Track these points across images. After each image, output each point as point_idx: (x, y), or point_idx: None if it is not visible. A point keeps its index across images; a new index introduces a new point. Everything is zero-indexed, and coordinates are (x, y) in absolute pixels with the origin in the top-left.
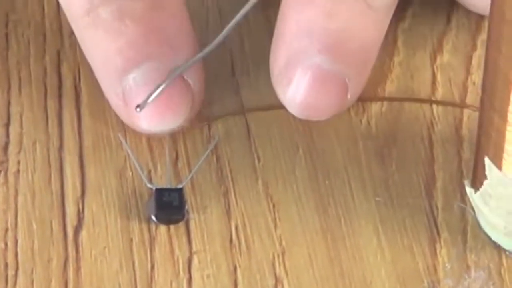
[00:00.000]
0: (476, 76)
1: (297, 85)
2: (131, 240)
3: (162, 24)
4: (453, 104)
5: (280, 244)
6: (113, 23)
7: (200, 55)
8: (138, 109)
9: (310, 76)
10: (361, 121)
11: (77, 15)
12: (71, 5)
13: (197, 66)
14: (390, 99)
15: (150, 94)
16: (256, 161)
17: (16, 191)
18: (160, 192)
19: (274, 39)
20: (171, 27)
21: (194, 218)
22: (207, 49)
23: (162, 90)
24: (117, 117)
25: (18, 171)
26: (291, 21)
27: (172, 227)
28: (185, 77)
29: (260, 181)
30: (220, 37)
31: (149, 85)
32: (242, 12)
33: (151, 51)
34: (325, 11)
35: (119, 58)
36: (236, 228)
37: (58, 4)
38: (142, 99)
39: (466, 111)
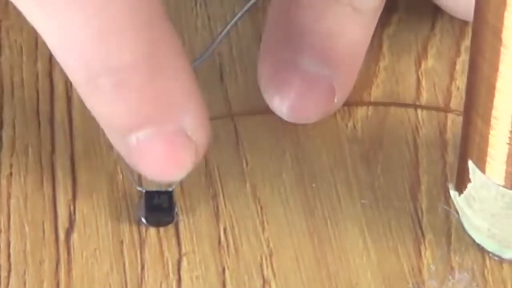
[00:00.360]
0: (460, 81)
1: (286, 89)
2: (122, 242)
3: (164, 88)
4: (437, 109)
5: (268, 246)
6: (113, 92)
7: (200, 59)
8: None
9: (298, 80)
10: (347, 125)
11: (77, 82)
12: (71, 73)
13: (203, 121)
14: (376, 104)
15: None
16: (244, 164)
17: (9, 194)
18: (150, 194)
19: (262, 44)
20: (173, 90)
21: (183, 220)
22: (204, 56)
23: None
24: None
25: (11, 174)
26: (279, 26)
27: (161, 229)
28: (189, 134)
29: (248, 184)
30: (214, 44)
31: (152, 144)
32: (237, 17)
33: (153, 116)
34: (313, 16)
35: (120, 123)
36: (225, 230)
37: None
38: (146, 155)
39: (450, 116)
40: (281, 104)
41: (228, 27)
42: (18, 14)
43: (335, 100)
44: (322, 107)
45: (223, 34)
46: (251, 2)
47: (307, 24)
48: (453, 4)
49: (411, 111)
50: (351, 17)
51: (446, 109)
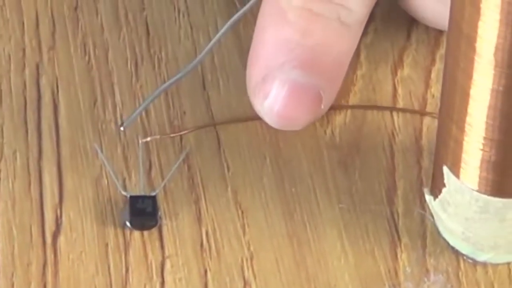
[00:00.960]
0: (435, 89)
1: (275, 97)
2: (107, 245)
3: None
4: (413, 111)
5: (249, 249)
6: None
7: (186, 70)
8: (121, 128)
9: (287, 89)
10: (325, 131)
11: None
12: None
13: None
14: (353, 107)
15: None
16: (226, 170)
17: None
18: (134, 199)
19: (250, 54)
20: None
21: (166, 224)
22: (191, 65)
23: (145, 107)
24: (93, 128)
25: None
26: (267, 38)
27: (145, 232)
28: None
29: (229, 189)
30: (202, 55)
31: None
32: (227, 25)
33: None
34: (301, 29)
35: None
36: (207, 233)
37: (37, 22)
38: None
39: (425, 122)
40: (270, 112)
41: (212, 43)
42: (5, 22)
43: (322, 107)
44: (309, 114)
45: (206, 49)
46: (234, 17)
47: (294, 38)
48: (428, 16)
49: (388, 118)
50: (338, 30)
51: (422, 112)
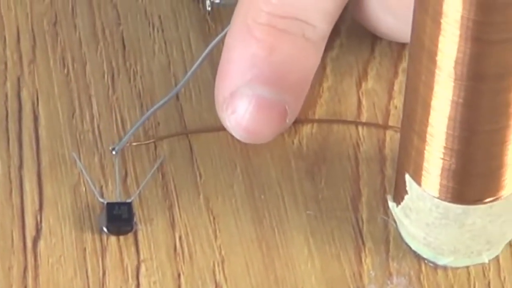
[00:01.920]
0: (398, 101)
1: (242, 113)
2: (85, 249)
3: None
4: (376, 125)
5: (220, 253)
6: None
7: (173, 93)
8: (113, 152)
9: (253, 105)
10: (293, 141)
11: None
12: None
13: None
14: (320, 121)
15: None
16: (198, 178)
17: None
18: (110, 206)
19: (219, 70)
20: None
21: (141, 229)
22: (179, 86)
23: (136, 129)
24: (71, 138)
25: None
26: (235, 55)
27: (121, 237)
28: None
29: (201, 196)
30: (189, 74)
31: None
32: (210, 46)
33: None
34: (267, 46)
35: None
36: (180, 238)
37: (18, 37)
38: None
39: (388, 133)
40: (238, 127)
41: (189, 73)
42: None
43: (287, 121)
44: (275, 128)
45: (184, 80)
46: (210, 46)
47: (261, 55)
48: (382, 29)
49: (352, 129)
50: (303, 46)
51: (385, 126)
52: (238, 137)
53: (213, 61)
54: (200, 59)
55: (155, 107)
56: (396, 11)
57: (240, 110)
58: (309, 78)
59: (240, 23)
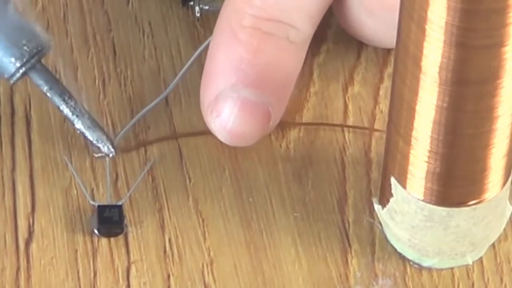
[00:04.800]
0: (383, 105)
1: (226, 116)
2: (76, 251)
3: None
4: (362, 128)
5: (209, 254)
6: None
7: (163, 95)
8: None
9: (239, 107)
10: (280, 145)
11: None
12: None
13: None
14: (307, 124)
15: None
16: (187, 181)
17: None
18: (101, 208)
19: (204, 74)
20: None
21: (132, 231)
22: (169, 88)
23: (126, 130)
24: (63, 141)
25: None
26: (220, 58)
27: (112, 239)
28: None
29: (191, 199)
30: (165, 93)
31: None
32: (198, 52)
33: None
34: (251, 48)
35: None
36: (170, 240)
37: None
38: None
39: (374, 137)
40: (223, 130)
41: (178, 78)
42: None
43: (271, 123)
44: (259, 131)
45: (173, 83)
46: (200, 49)
47: (246, 58)
48: (366, 34)
49: (339, 133)
50: (287, 49)
51: (371, 128)
52: (223, 140)
53: (202, 66)
54: (191, 60)
55: (148, 106)
56: (378, 14)
57: (225, 113)
58: (292, 80)
59: (224, 26)
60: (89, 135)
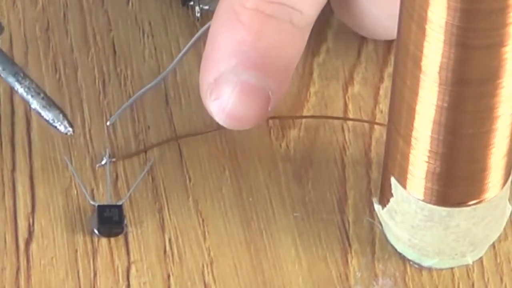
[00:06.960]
0: (384, 105)
1: (226, 98)
2: (76, 251)
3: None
4: (363, 121)
5: (209, 254)
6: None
7: (158, 78)
8: (108, 123)
9: (238, 90)
10: (280, 145)
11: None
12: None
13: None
14: (307, 117)
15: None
16: (187, 181)
17: None
18: (101, 208)
19: (204, 56)
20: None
21: (132, 231)
22: (163, 74)
23: (123, 109)
24: (63, 141)
25: None
26: (221, 40)
27: (112, 239)
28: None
29: (191, 199)
30: (161, 76)
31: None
32: (191, 42)
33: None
34: (254, 31)
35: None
36: (170, 240)
37: (11, 42)
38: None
39: (374, 137)
40: (222, 112)
41: (175, 62)
42: None
43: (269, 108)
44: (258, 115)
45: (170, 67)
46: (196, 36)
47: (248, 40)
48: (374, 28)
49: (339, 133)
50: (289, 32)
51: (372, 121)
52: (221, 123)
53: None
54: (191, 42)
55: (140, 91)
56: (380, 3)
57: (224, 96)
58: (293, 65)
59: (226, 7)
60: (45, 114)
